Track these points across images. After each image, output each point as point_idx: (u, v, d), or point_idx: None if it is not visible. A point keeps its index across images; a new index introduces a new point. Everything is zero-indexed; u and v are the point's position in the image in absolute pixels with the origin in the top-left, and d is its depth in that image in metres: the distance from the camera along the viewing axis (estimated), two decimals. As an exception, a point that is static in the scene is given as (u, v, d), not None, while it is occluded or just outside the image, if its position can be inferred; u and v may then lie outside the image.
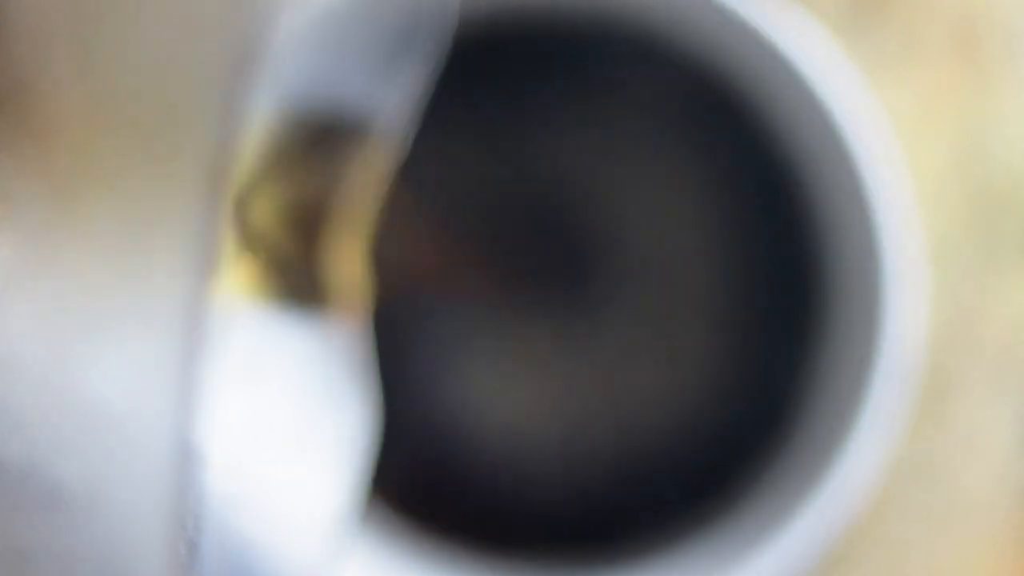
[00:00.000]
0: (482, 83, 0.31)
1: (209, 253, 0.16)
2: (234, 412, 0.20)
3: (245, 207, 0.20)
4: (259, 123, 0.19)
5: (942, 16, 0.33)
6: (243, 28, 0.15)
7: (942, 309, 0.33)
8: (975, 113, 0.33)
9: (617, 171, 0.31)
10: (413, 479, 0.31)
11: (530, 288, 0.31)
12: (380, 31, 0.19)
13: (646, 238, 0.31)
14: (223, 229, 0.16)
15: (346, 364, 0.21)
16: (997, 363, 0.33)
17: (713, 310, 0.31)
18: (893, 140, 0.32)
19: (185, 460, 0.16)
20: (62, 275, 0.16)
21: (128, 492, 0.16)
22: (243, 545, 0.20)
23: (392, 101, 0.19)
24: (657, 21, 0.30)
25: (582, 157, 0.31)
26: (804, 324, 0.31)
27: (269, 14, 0.15)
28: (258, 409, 0.20)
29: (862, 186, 0.28)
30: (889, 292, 0.28)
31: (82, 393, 0.16)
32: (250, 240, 0.20)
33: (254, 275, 0.20)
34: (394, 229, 0.29)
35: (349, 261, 0.21)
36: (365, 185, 0.20)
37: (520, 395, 0.31)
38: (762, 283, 0.31)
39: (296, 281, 0.21)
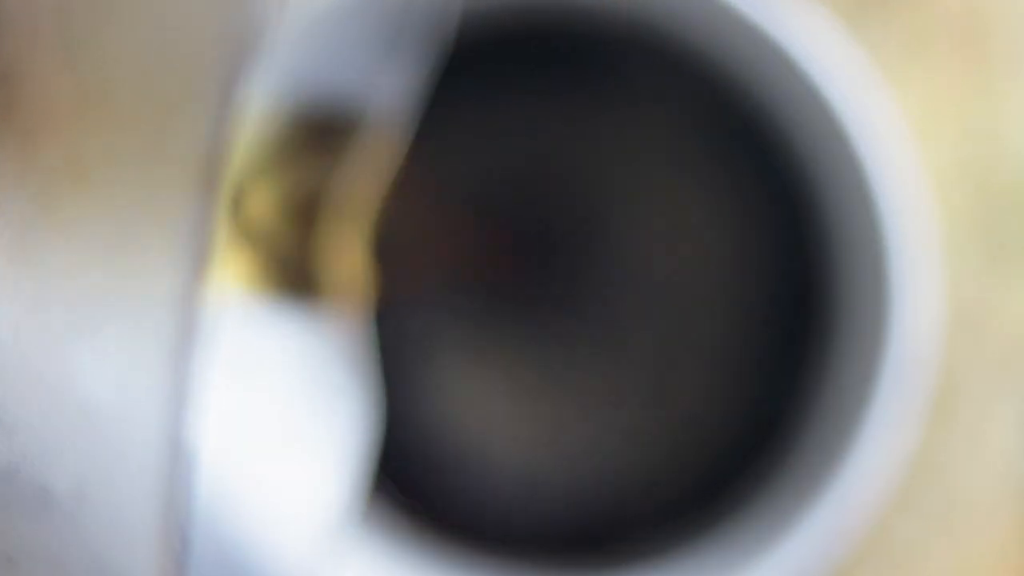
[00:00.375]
0: (487, 81, 0.31)
1: (202, 248, 0.15)
2: (229, 408, 0.20)
3: (243, 200, 0.20)
4: (257, 115, 0.19)
5: (946, 15, 0.33)
6: (239, 18, 0.15)
7: (946, 309, 0.33)
8: (979, 112, 0.33)
9: (621, 172, 0.31)
10: (416, 480, 0.31)
11: (534, 289, 0.31)
12: (380, 23, 0.19)
13: (651, 238, 0.31)
14: (217, 223, 0.16)
15: (344, 359, 0.21)
16: (1001, 363, 0.33)
17: (720, 313, 0.31)
18: (905, 139, 0.32)
19: (177, 458, 0.16)
20: (49, 273, 0.15)
21: (119, 491, 0.16)
22: (237, 543, 0.20)
23: (392, 93, 0.19)
24: (668, 22, 0.29)
25: (587, 159, 0.31)
26: (812, 327, 0.31)
27: (266, 4, 0.15)
28: (253, 404, 0.20)
29: (870, 186, 0.28)
30: (898, 293, 0.28)
31: (71, 392, 0.16)
32: (248, 233, 0.20)
33: (251, 268, 0.20)
34: (398, 221, 0.28)
35: (348, 254, 0.21)
36: (364, 178, 0.20)
37: (525, 399, 0.31)
38: (770, 284, 0.31)
39: (294, 274, 0.20)
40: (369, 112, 0.20)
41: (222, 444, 0.20)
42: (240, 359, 0.20)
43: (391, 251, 0.28)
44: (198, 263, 0.15)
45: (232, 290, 0.20)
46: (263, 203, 0.20)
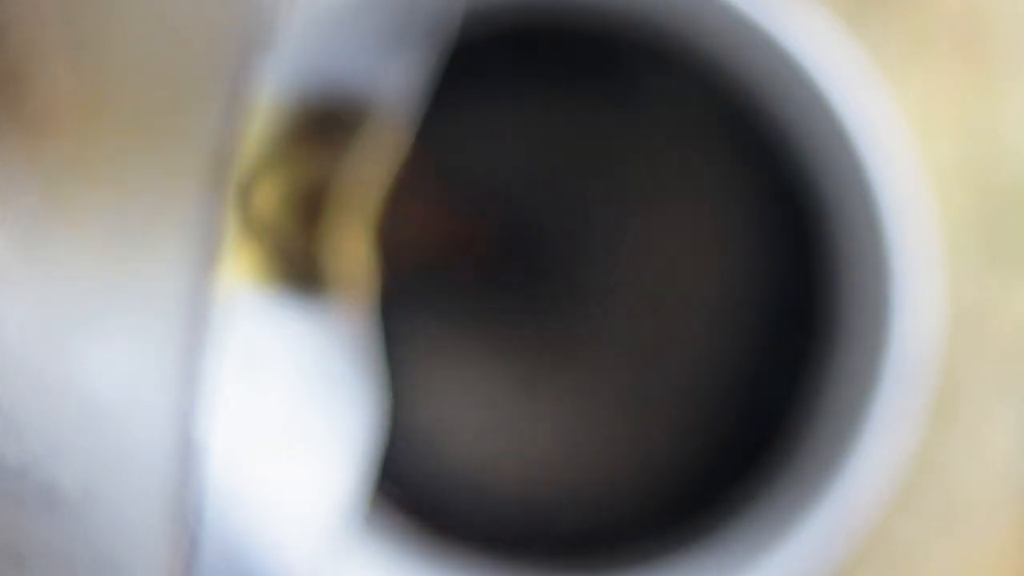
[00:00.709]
0: (487, 79, 0.31)
1: (210, 243, 0.15)
2: (236, 404, 0.20)
3: (249, 194, 0.20)
4: (264, 108, 0.19)
5: (946, 15, 0.33)
6: (247, 13, 0.15)
7: (946, 309, 0.33)
8: (980, 112, 0.33)
9: (620, 172, 0.31)
10: (413, 482, 0.31)
11: (535, 289, 0.31)
12: (386, 18, 0.19)
13: (651, 238, 0.31)
14: (225, 218, 0.15)
15: (351, 353, 0.20)
16: (1002, 363, 0.33)
17: (722, 313, 0.31)
18: (905, 139, 0.32)
19: (185, 455, 0.16)
20: (58, 268, 0.15)
21: (127, 489, 0.16)
22: (244, 540, 0.20)
23: (398, 86, 0.19)
24: (670, 21, 0.29)
25: (585, 160, 0.31)
26: (814, 328, 0.31)
27: (274, 7, 0.15)
28: (260, 400, 0.20)
29: (872, 187, 0.28)
30: (899, 295, 0.28)
31: (80, 389, 0.16)
32: (254, 227, 0.20)
33: (258, 263, 0.20)
34: (396, 214, 0.28)
35: (354, 248, 0.20)
36: (370, 171, 0.20)
37: (524, 400, 0.31)
38: (772, 286, 0.31)
39: (300, 268, 0.20)
40: (375, 106, 0.20)
41: (229, 441, 0.20)
42: (246, 354, 0.20)
43: (385, 248, 0.28)
44: (207, 258, 0.15)
45: (238, 284, 0.20)
46: (269, 197, 0.20)
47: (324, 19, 0.19)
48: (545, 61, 0.31)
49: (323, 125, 0.20)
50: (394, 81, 0.19)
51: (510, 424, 0.31)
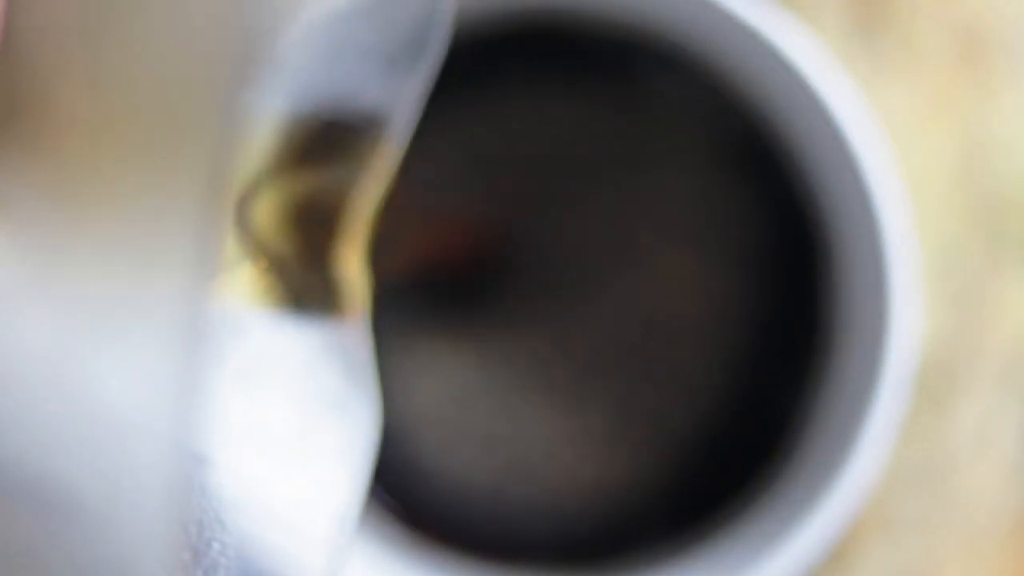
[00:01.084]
0: (480, 82, 0.31)
1: (212, 257, 0.16)
2: (238, 416, 0.20)
3: (246, 210, 0.20)
4: (262, 123, 0.19)
5: (945, 21, 0.33)
6: (248, 34, 0.15)
7: (949, 311, 0.33)
8: (978, 115, 0.33)
9: (619, 176, 0.31)
10: (408, 488, 0.31)
11: (534, 294, 0.31)
12: (384, 32, 0.19)
13: (651, 244, 0.31)
14: (224, 234, 0.16)
15: (349, 366, 0.21)
16: (1004, 363, 0.33)
17: (721, 321, 0.31)
18: (892, 149, 0.32)
19: (190, 465, 0.16)
20: (69, 281, 0.16)
21: (133, 497, 0.16)
22: (248, 549, 0.20)
23: (395, 102, 0.19)
24: (675, 30, 0.30)
25: (582, 162, 0.31)
26: (813, 335, 0.31)
27: (274, 18, 0.15)
28: (262, 413, 0.20)
29: (870, 196, 0.28)
30: (894, 297, 0.28)
31: (88, 398, 0.16)
32: (251, 242, 0.20)
33: (255, 277, 0.20)
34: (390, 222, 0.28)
35: (350, 262, 0.21)
36: (366, 186, 0.20)
37: (523, 404, 0.31)
38: (770, 292, 0.31)
39: (297, 283, 0.21)
40: (371, 122, 0.20)
41: (231, 452, 0.20)
42: (247, 368, 0.20)
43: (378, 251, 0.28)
44: (210, 270, 0.16)
45: (238, 300, 0.20)
46: (266, 212, 0.20)
47: (321, 36, 0.19)
48: (543, 65, 0.31)
49: (320, 141, 0.20)
50: (390, 97, 0.20)
51: (506, 429, 0.31)
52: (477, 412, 0.31)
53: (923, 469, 0.33)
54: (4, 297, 0.16)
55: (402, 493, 0.31)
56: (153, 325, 0.16)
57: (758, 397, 0.31)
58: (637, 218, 0.31)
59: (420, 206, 0.30)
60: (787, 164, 0.30)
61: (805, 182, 0.30)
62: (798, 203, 0.30)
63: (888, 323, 0.28)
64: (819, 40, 0.32)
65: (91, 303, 0.16)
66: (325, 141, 0.20)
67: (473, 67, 0.30)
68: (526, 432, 0.31)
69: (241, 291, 0.20)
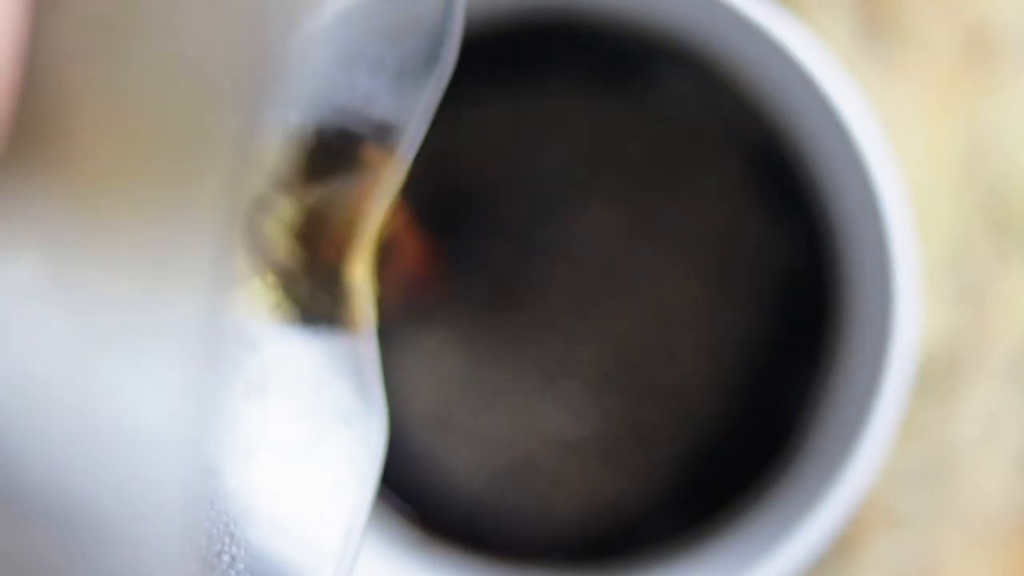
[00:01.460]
0: (481, 78, 0.31)
1: (229, 272, 0.16)
2: (247, 428, 0.20)
3: (255, 222, 0.20)
4: (273, 138, 0.19)
5: (950, 19, 0.33)
6: (268, 50, 0.15)
7: (955, 306, 0.33)
8: (985, 111, 0.33)
9: (621, 174, 0.31)
10: (416, 483, 0.31)
11: (535, 294, 0.31)
12: (394, 43, 0.19)
13: (658, 240, 0.31)
14: (237, 249, 0.16)
15: (356, 377, 0.21)
16: (1011, 359, 0.33)
17: (723, 320, 0.31)
18: (897, 147, 0.32)
19: (203, 479, 0.16)
20: (90, 296, 0.16)
21: (147, 510, 0.16)
22: (257, 561, 0.20)
23: (405, 114, 0.19)
24: (667, 22, 0.30)
25: (584, 162, 0.31)
26: (813, 333, 0.31)
27: (291, 35, 0.15)
28: (270, 424, 0.20)
29: (876, 193, 0.28)
30: (899, 301, 0.28)
31: (107, 412, 0.16)
32: (259, 255, 0.20)
33: (263, 291, 0.20)
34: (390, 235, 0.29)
35: (356, 273, 0.21)
36: (373, 198, 0.20)
37: (526, 401, 0.31)
38: (776, 289, 0.31)
39: (304, 295, 0.21)
40: (382, 131, 0.20)
41: (241, 464, 0.20)
42: (255, 379, 0.20)
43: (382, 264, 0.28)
44: (226, 286, 0.16)
45: (247, 311, 0.20)
46: (274, 225, 0.20)
47: (330, 47, 0.19)
48: (550, 66, 0.31)
49: (327, 154, 0.20)
50: (400, 109, 0.20)
51: (510, 428, 0.31)
52: (480, 413, 0.31)
53: (929, 464, 0.33)
54: (27, 312, 0.16)
55: (403, 488, 0.31)
56: (172, 339, 0.16)
57: (763, 394, 0.31)
58: (642, 221, 0.31)
59: (421, 213, 0.30)
60: (793, 163, 0.30)
61: (811, 181, 0.30)
62: (804, 203, 0.30)
63: (892, 320, 0.28)
64: (824, 39, 0.33)
65: (112, 318, 0.16)
66: (333, 153, 0.20)
67: (479, 66, 0.30)
68: (530, 432, 0.31)
69: (250, 304, 0.20)
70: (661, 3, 0.29)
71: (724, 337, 0.31)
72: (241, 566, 0.20)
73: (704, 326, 0.31)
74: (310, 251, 0.21)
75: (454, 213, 0.31)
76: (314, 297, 0.21)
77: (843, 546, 0.33)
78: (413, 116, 0.20)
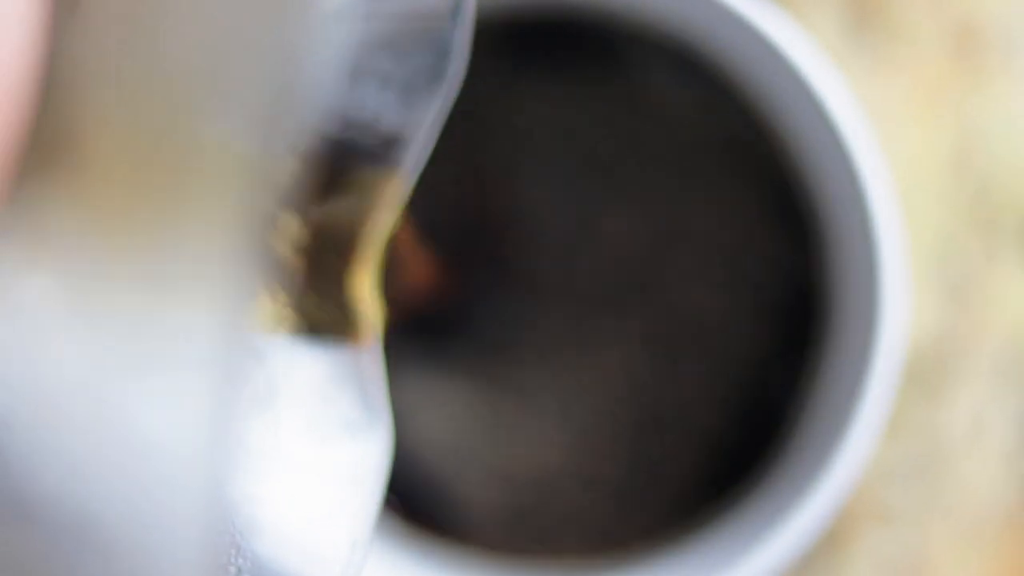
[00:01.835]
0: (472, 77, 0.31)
1: (247, 286, 0.16)
2: (253, 441, 0.20)
3: (263, 237, 0.20)
4: (283, 154, 0.19)
5: (938, 15, 0.33)
6: (280, 69, 0.15)
7: (943, 302, 0.33)
8: (973, 108, 0.33)
9: (612, 172, 0.31)
10: (409, 481, 0.31)
11: (520, 290, 0.31)
12: (402, 58, 0.19)
13: (646, 237, 0.31)
14: (256, 264, 0.16)
15: (362, 391, 0.21)
16: (996, 354, 0.33)
17: (710, 314, 0.31)
18: (886, 142, 0.32)
19: (218, 492, 0.16)
20: (106, 312, 0.16)
21: (163, 526, 0.16)
22: (263, 574, 0.20)
23: (412, 129, 0.19)
24: (655, 17, 0.30)
25: (573, 160, 0.31)
26: (803, 322, 0.31)
27: (305, 53, 0.16)
28: (276, 438, 0.20)
29: (858, 181, 0.28)
30: (885, 286, 0.28)
31: (124, 427, 0.16)
32: (267, 269, 0.20)
33: (271, 304, 0.20)
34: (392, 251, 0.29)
35: (362, 287, 0.21)
36: (380, 212, 0.20)
37: (514, 403, 0.31)
38: (764, 286, 0.31)
39: (310, 309, 0.21)
40: (389, 145, 0.20)
41: (247, 477, 0.20)
42: (261, 393, 0.20)
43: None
44: (244, 301, 0.16)
45: (257, 327, 0.20)
46: (282, 238, 0.20)
47: (341, 63, 0.19)
48: (535, 63, 0.31)
49: (334, 168, 0.20)
50: (407, 123, 0.20)
51: (501, 427, 0.31)
52: (470, 415, 0.31)
53: (917, 460, 0.33)
54: (43, 328, 0.16)
55: (414, 499, 0.31)
56: (187, 354, 0.16)
57: (750, 389, 0.31)
58: (630, 211, 0.31)
59: (421, 223, 0.30)
60: (781, 157, 0.30)
61: (799, 177, 0.30)
62: (793, 198, 0.30)
63: (879, 315, 0.28)
64: (813, 34, 0.33)
65: (127, 333, 0.16)
66: (340, 168, 0.20)
67: (475, 65, 0.30)
68: (516, 428, 0.31)
69: (257, 318, 0.20)
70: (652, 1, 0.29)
71: (714, 334, 0.31)
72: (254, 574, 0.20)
73: (695, 322, 0.31)
74: (316, 265, 0.21)
75: (455, 228, 0.31)
76: (320, 311, 0.21)
77: (832, 541, 0.33)
78: (420, 130, 0.20)
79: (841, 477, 0.28)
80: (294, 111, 0.16)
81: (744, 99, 0.30)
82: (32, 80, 0.16)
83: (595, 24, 0.30)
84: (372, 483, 0.21)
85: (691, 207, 0.31)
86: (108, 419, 0.16)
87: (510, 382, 0.31)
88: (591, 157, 0.31)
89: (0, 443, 0.16)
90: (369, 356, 0.21)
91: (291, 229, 0.20)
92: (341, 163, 0.20)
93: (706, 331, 0.31)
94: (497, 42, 0.31)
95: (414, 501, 0.31)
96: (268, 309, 0.21)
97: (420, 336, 0.31)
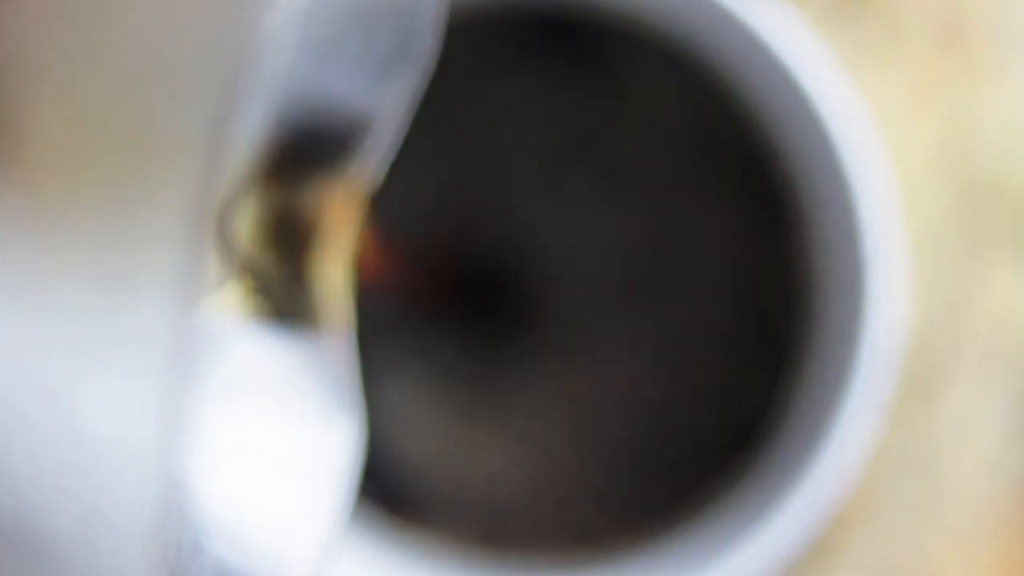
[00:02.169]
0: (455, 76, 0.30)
1: (198, 277, 0.15)
2: (217, 433, 0.20)
3: (226, 224, 0.19)
4: (243, 138, 0.18)
5: (928, 5, 0.33)
6: (234, 46, 0.15)
7: (931, 298, 0.33)
8: (962, 102, 0.33)
9: (599, 173, 0.31)
10: (399, 480, 0.31)
11: (506, 298, 0.31)
12: (372, 35, 0.19)
13: (622, 229, 0.31)
14: (207, 253, 0.15)
15: (333, 381, 0.20)
16: (987, 352, 0.33)
17: (696, 302, 0.31)
18: (876, 132, 0.32)
19: (173, 492, 0.16)
20: (48, 306, 0.15)
21: (117, 530, 0.16)
22: (228, 571, 0.19)
23: (383, 109, 0.19)
24: (642, 11, 0.29)
25: (560, 165, 0.31)
26: (788, 320, 0.31)
27: (260, 21, 0.15)
28: (243, 430, 0.20)
29: (845, 179, 0.28)
30: (872, 286, 0.28)
31: (69, 425, 0.15)
32: (232, 258, 0.19)
33: (238, 294, 0.20)
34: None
35: (333, 276, 0.20)
36: (350, 198, 0.20)
37: (502, 405, 0.31)
38: (748, 283, 0.31)
39: (279, 297, 0.20)
40: (359, 130, 0.19)
41: (211, 471, 0.20)
42: (227, 383, 0.20)
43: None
44: (194, 293, 0.15)
45: (220, 316, 0.20)
46: (247, 226, 0.20)
47: (308, 41, 0.18)
48: (514, 58, 0.31)
49: (304, 152, 0.19)
50: (378, 103, 0.19)
51: (494, 424, 0.31)
52: (455, 416, 0.31)
53: (907, 460, 0.33)
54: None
55: (379, 479, 0.31)
56: (136, 349, 0.15)
57: (735, 387, 0.31)
58: (612, 210, 0.31)
59: (402, 222, 0.29)
60: (768, 149, 0.30)
61: (787, 174, 0.30)
62: (778, 190, 0.30)
63: (865, 308, 0.28)
64: (802, 24, 0.32)
65: (72, 328, 0.15)
66: (308, 150, 0.19)
67: (460, 60, 0.30)
68: (502, 428, 0.31)
69: (224, 307, 0.20)
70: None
71: (703, 335, 0.31)
72: (212, 573, 0.19)
73: (680, 318, 0.31)
74: (284, 251, 0.20)
75: (438, 229, 0.30)
76: (289, 298, 0.20)
77: (822, 544, 0.33)
78: (392, 113, 0.19)
79: (826, 479, 0.28)
80: (249, 95, 0.15)
81: (735, 98, 0.30)
82: None
83: (585, 21, 0.30)
84: (342, 477, 0.20)
85: (679, 210, 0.31)
86: (51, 417, 0.15)
87: (496, 381, 0.31)
88: (578, 157, 0.31)
89: None
90: (341, 346, 0.20)
91: (258, 215, 0.20)
92: (308, 149, 0.19)
93: (694, 333, 0.31)
94: (488, 40, 0.30)
95: (398, 495, 0.31)
96: (236, 297, 0.20)
97: (409, 333, 0.30)
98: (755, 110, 0.30)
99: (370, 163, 0.19)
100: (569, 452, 0.31)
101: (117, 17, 0.15)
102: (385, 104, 0.19)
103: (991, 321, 0.33)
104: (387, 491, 0.31)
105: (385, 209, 0.29)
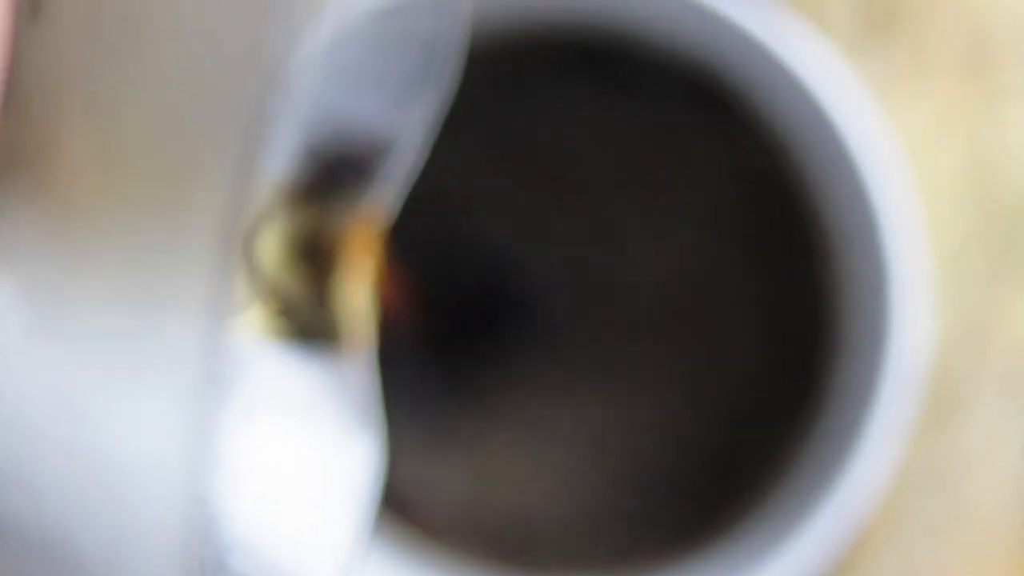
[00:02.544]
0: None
1: (226, 299, 0.15)
2: (242, 452, 0.20)
3: (251, 244, 0.20)
4: (271, 161, 0.19)
5: (953, 31, 0.33)
6: (262, 69, 0.15)
7: (952, 321, 0.33)
8: (987, 127, 0.33)
9: (619, 189, 0.31)
10: (428, 503, 0.31)
11: (529, 313, 0.31)
12: (395, 59, 0.19)
13: (650, 257, 0.31)
14: (235, 274, 0.15)
15: (354, 400, 0.20)
16: (1007, 374, 0.33)
17: (722, 326, 0.31)
18: (902, 156, 0.32)
19: (198, 510, 0.16)
20: (78, 329, 0.15)
21: (142, 549, 0.16)
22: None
23: (405, 131, 0.19)
24: (661, 34, 0.29)
25: (570, 184, 0.31)
26: (814, 340, 0.31)
27: (289, 49, 0.15)
28: (266, 448, 0.20)
29: (870, 203, 0.28)
30: (897, 310, 0.28)
31: (100, 452, 0.15)
32: (257, 280, 0.20)
33: (263, 316, 0.20)
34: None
35: (356, 298, 0.20)
36: (372, 221, 0.20)
37: (539, 423, 0.31)
38: (773, 302, 0.31)
39: (302, 317, 0.20)
40: (382, 151, 0.20)
41: (235, 491, 0.20)
42: (251, 402, 0.20)
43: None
44: (222, 314, 0.15)
45: (243, 336, 0.20)
46: (271, 247, 0.20)
47: (332, 64, 0.19)
48: (534, 80, 0.31)
49: (328, 172, 0.20)
50: (400, 126, 0.19)
51: (514, 436, 0.31)
52: (484, 418, 0.31)
53: (929, 479, 0.33)
54: (12, 347, 0.15)
55: (406, 501, 0.31)
56: (165, 371, 0.15)
57: (762, 411, 0.31)
58: (633, 228, 0.31)
59: (428, 251, 0.29)
60: (797, 179, 0.30)
61: (812, 194, 0.30)
62: (805, 216, 0.30)
63: (890, 332, 0.28)
64: (832, 54, 0.32)
65: (101, 351, 0.15)
66: (332, 174, 0.20)
67: (476, 84, 0.30)
68: (526, 440, 0.31)
69: (247, 327, 0.20)
70: (663, 15, 0.29)
71: (728, 356, 0.31)
72: None
73: (708, 338, 0.31)
74: (309, 274, 0.20)
75: (459, 254, 0.31)
76: (312, 319, 0.20)
77: (846, 563, 0.33)
78: (414, 136, 0.19)
79: (850, 500, 0.28)
80: (277, 120, 0.15)
81: (766, 128, 0.30)
82: None
83: (614, 50, 0.30)
84: (363, 495, 0.20)
85: (708, 239, 0.31)
86: (81, 438, 0.15)
87: (528, 408, 0.31)
88: (609, 188, 0.31)
89: None
90: (362, 366, 0.21)
91: (282, 236, 0.20)
92: (332, 173, 0.20)
93: (722, 360, 0.31)
94: (521, 67, 0.30)
95: (426, 518, 0.31)
96: (259, 317, 0.20)
97: (441, 359, 0.31)
98: (785, 141, 0.30)
99: (391, 187, 0.20)
100: (600, 476, 0.31)
101: (148, 43, 0.15)
102: (407, 129, 0.19)
103: (1013, 343, 0.33)
104: (415, 514, 0.31)
105: (408, 239, 0.30)
